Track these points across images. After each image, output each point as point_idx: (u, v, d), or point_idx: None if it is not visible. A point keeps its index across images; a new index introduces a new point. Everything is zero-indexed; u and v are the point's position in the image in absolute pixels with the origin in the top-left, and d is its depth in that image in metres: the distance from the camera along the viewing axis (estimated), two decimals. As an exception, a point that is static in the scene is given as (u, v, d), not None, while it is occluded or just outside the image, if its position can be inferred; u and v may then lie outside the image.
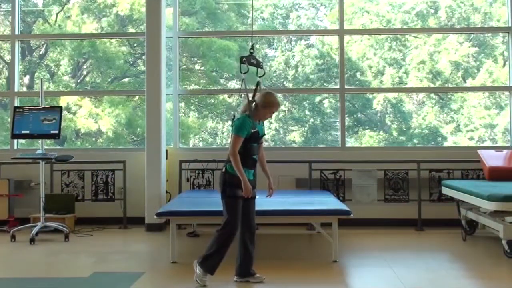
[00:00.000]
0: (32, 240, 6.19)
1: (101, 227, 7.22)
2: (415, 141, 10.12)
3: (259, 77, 4.84)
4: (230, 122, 4.70)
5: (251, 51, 4.94)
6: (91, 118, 9.98)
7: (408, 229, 7.00)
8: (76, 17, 10.11)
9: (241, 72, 4.71)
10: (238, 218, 4.38)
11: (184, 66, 10.22)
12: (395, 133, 10.40)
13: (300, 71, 10.53)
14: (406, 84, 10.23)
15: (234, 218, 4.36)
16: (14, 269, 5.17)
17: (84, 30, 9.97)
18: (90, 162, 7.49)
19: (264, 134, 4.71)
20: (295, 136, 10.52)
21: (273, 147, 9.37)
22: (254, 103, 4.52)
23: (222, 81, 10.83)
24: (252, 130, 4.39)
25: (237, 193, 4.35)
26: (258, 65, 4.92)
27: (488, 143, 9.51)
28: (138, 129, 10.05)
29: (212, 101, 10.60)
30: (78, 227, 7.11)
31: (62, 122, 6.76)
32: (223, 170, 4.47)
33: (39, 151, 6.57)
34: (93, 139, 10.44)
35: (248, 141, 4.39)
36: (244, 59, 4.79)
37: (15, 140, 7.86)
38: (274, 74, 10.61)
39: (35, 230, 6.31)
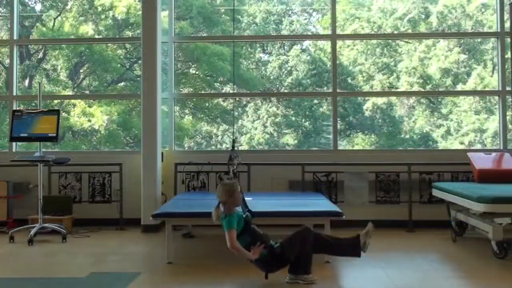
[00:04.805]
0: (30, 241, 6.24)
1: (98, 228, 7.28)
2: (406, 144, 10.23)
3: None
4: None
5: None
6: (84, 116, 10.03)
7: (399, 230, 7.07)
8: (73, 21, 10.19)
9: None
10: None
11: (179, 70, 10.33)
12: (386, 137, 10.52)
13: (294, 75, 10.65)
14: (397, 88, 10.37)
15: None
16: (13, 270, 5.22)
17: (81, 32, 10.04)
18: (87, 164, 7.58)
19: (251, 211, 4.70)
20: (289, 139, 10.64)
21: (267, 150, 9.47)
22: (223, 203, 4.50)
23: (217, 85, 10.94)
24: (243, 218, 4.48)
25: None
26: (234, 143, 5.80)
27: (478, 147, 9.65)
28: (133, 129, 10.12)
29: (207, 104, 10.71)
30: (75, 228, 7.18)
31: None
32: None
33: (37, 154, 6.65)
34: (88, 137, 10.49)
35: (246, 227, 4.48)
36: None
37: (14, 143, 7.94)
38: (266, 79, 10.73)
39: (33, 231, 6.36)
